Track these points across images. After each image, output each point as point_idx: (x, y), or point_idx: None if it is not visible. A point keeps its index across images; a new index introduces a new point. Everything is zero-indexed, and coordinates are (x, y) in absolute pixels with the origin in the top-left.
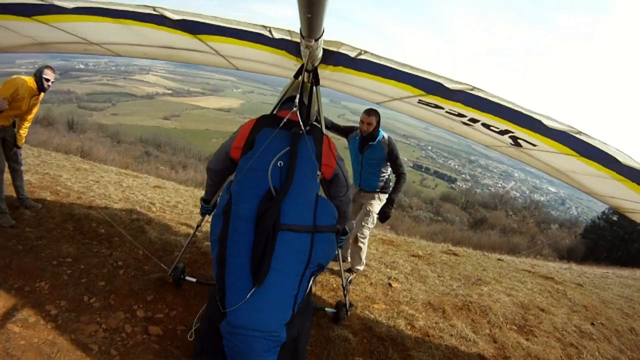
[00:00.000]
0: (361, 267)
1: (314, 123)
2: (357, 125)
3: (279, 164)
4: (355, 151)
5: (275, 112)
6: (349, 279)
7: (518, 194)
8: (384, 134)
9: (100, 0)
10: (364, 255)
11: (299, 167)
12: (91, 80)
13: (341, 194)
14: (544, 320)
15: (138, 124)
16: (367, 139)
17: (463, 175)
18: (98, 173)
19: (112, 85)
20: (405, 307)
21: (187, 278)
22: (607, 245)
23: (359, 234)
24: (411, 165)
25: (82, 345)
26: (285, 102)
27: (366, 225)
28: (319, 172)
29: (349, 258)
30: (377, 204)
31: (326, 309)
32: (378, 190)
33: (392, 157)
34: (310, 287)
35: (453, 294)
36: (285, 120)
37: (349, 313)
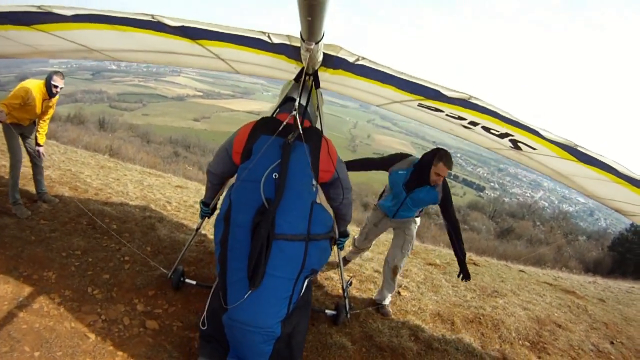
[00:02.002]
0: (389, 299)
1: (314, 126)
2: (398, 153)
3: (274, 176)
4: (400, 188)
5: (275, 114)
6: (349, 281)
7: (547, 204)
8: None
9: (99, 8)
10: (396, 285)
11: (292, 178)
12: (123, 80)
13: (340, 197)
14: (560, 337)
15: (168, 125)
16: (422, 180)
17: (492, 184)
18: (121, 171)
19: (144, 86)
20: (411, 317)
21: (187, 281)
22: (635, 258)
23: (399, 266)
24: None
25: (79, 334)
26: (285, 103)
27: (406, 253)
28: (314, 182)
29: (381, 280)
30: (414, 227)
31: (326, 310)
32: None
33: (447, 204)
34: (309, 285)
35: (465, 305)
36: (282, 125)
37: (349, 315)
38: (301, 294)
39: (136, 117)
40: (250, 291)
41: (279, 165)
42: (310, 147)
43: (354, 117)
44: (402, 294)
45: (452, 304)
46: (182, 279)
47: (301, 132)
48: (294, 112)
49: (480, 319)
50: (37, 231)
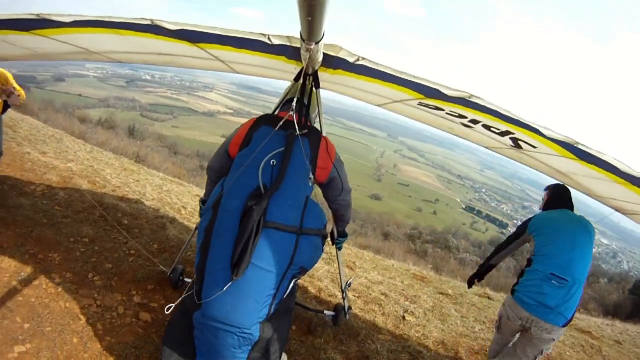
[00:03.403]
0: None
1: (313, 126)
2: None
3: (271, 162)
4: None
5: (276, 112)
6: (348, 282)
7: None
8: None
9: (98, 14)
10: None
11: (291, 168)
12: (155, 91)
13: (338, 196)
14: None
15: (197, 139)
16: None
17: (515, 221)
18: (143, 175)
19: (176, 99)
20: (413, 343)
21: (186, 279)
22: None
23: None
24: (463, 207)
25: (72, 314)
26: (286, 103)
27: None
28: (311, 176)
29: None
30: None
31: (325, 311)
32: None
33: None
34: (293, 290)
35: (472, 336)
36: (284, 119)
37: (347, 317)
38: (285, 295)
39: (166, 128)
40: (231, 282)
41: (278, 153)
42: (310, 143)
43: (381, 146)
44: (406, 318)
45: (458, 334)
46: (181, 277)
47: (297, 128)
48: (291, 112)
49: (486, 351)
50: (50, 215)
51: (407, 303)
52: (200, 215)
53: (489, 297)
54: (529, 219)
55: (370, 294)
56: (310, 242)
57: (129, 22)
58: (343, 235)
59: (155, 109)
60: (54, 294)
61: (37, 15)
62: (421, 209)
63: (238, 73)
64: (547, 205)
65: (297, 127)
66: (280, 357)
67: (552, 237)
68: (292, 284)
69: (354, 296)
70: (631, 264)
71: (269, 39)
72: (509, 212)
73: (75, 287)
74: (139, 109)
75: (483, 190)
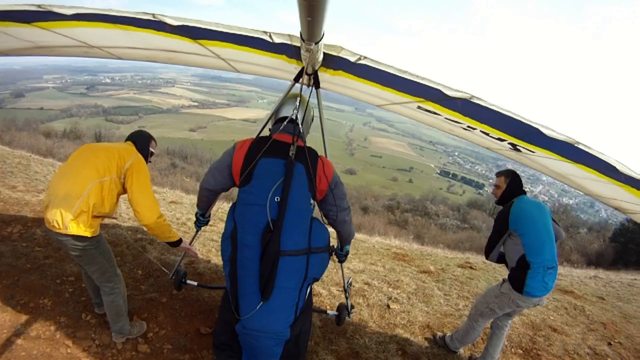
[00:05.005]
0: None
1: (310, 147)
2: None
3: (276, 199)
4: None
5: (271, 134)
6: (349, 281)
7: (546, 198)
8: (516, 200)
9: (99, 7)
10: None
11: (293, 198)
12: (117, 94)
13: (332, 214)
14: (555, 342)
15: (165, 136)
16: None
17: (491, 181)
18: None
19: (138, 99)
20: (400, 331)
21: (188, 282)
22: (637, 248)
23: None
24: (438, 172)
25: (75, 359)
26: (281, 121)
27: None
28: (312, 201)
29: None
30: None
31: (328, 311)
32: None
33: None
34: (310, 290)
35: (457, 314)
36: (290, 144)
37: (350, 316)
38: (306, 298)
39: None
40: (261, 303)
41: (279, 187)
42: (308, 165)
43: (350, 121)
44: (391, 306)
45: (443, 314)
46: (183, 280)
47: (294, 152)
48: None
49: None
50: (32, 258)
51: (390, 290)
52: (198, 227)
53: (471, 267)
54: (506, 215)
55: (353, 286)
56: (318, 258)
57: (130, 17)
58: (345, 250)
59: (120, 112)
60: (53, 342)
61: (39, 6)
62: (397, 178)
63: (239, 72)
64: (508, 192)
65: (294, 153)
66: (307, 343)
67: (533, 231)
68: (309, 290)
69: (339, 291)
70: (609, 211)
71: (270, 36)
72: (483, 172)
73: (72, 330)
74: (102, 114)
75: (456, 153)
